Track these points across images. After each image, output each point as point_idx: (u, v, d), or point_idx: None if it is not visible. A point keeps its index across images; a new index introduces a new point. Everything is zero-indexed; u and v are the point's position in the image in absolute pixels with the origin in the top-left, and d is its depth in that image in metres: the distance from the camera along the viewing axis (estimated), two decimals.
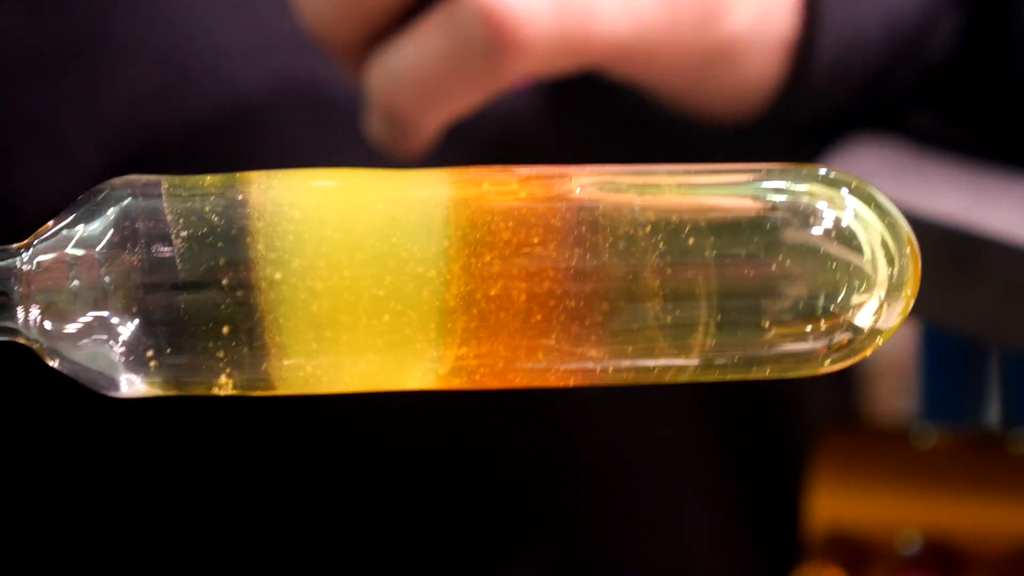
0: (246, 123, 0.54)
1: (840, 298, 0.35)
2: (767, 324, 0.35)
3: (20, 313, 0.35)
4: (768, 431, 0.61)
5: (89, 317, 0.35)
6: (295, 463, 0.56)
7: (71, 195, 0.53)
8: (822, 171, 0.36)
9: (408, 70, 0.45)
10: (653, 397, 0.58)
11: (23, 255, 0.35)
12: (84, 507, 0.56)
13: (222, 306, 0.34)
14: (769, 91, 0.48)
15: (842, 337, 0.35)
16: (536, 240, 0.35)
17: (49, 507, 0.56)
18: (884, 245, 0.35)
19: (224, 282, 0.34)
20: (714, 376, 0.36)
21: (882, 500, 0.54)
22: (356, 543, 0.57)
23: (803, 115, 0.48)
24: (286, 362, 0.35)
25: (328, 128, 0.54)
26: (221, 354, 0.35)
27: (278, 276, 0.35)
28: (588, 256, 0.35)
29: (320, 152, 0.53)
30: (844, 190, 0.35)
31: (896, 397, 0.73)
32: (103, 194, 0.35)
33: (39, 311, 0.35)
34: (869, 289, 0.35)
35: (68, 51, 0.53)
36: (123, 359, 0.35)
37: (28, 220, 0.52)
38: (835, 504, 0.54)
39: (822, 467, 0.54)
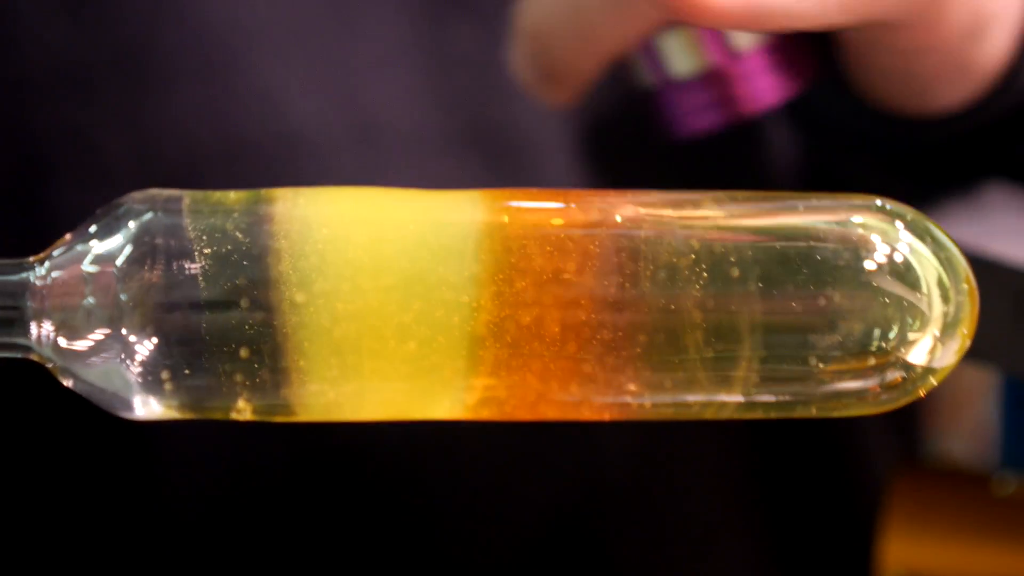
0: (289, 141, 0.53)
1: (892, 335, 0.34)
2: (814, 360, 0.34)
3: (33, 329, 0.34)
4: (827, 475, 0.59)
5: (104, 335, 0.33)
6: (315, 476, 0.55)
7: None
8: (877, 202, 0.34)
9: None
10: (699, 430, 0.56)
11: (38, 269, 0.34)
12: (88, 514, 0.55)
13: (242, 327, 0.33)
14: (990, 77, 0.45)
15: (894, 376, 0.34)
16: (572, 267, 0.34)
17: (55, 513, 0.55)
18: (940, 281, 0.34)
19: (244, 303, 0.33)
20: (758, 414, 0.34)
21: (959, 550, 0.52)
22: (379, 555, 0.55)
23: (1004, 109, 0.46)
24: (307, 388, 0.34)
25: (373, 149, 0.53)
26: (240, 377, 0.33)
27: (301, 298, 0.33)
28: (627, 285, 0.34)
29: (364, 173, 0.53)
30: (899, 223, 0.34)
31: (971, 442, 0.71)
32: (123, 208, 0.34)
33: (53, 328, 0.33)
34: (923, 326, 0.34)
35: (110, 64, 0.52)
36: (138, 380, 0.33)
37: (64, 233, 0.52)
38: (909, 553, 0.52)
39: (895, 513, 0.52)
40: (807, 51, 0.43)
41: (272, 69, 0.52)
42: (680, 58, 0.42)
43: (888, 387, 0.34)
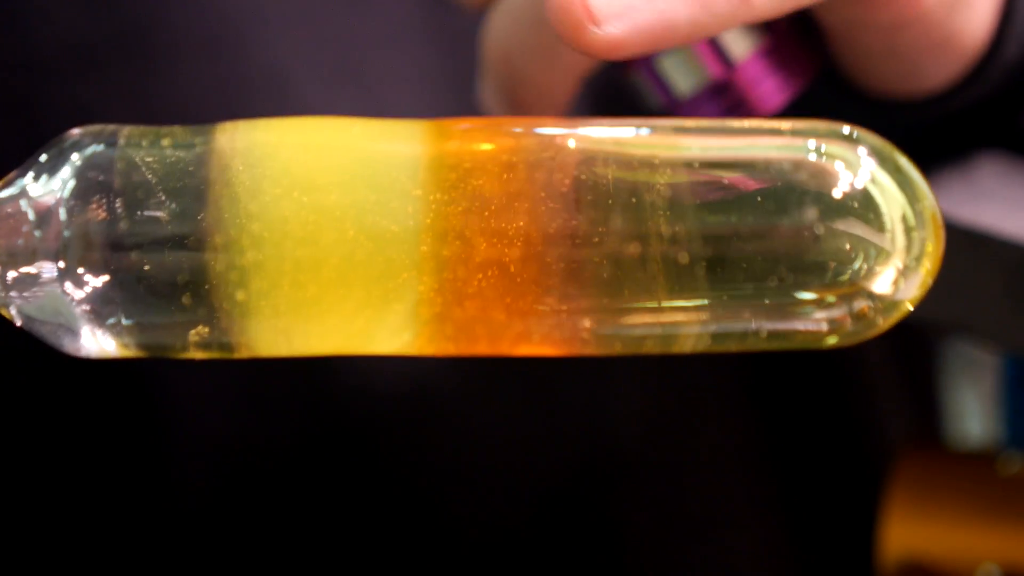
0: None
1: (854, 266, 0.33)
2: (772, 291, 0.33)
3: None
4: (840, 449, 0.59)
5: (49, 270, 0.33)
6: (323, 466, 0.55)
7: None
8: (842, 129, 0.34)
9: (515, 11, 0.41)
10: (709, 401, 0.56)
11: None
12: (97, 496, 0.55)
13: (183, 263, 0.33)
14: (974, 50, 0.44)
15: (856, 307, 0.34)
16: (518, 196, 0.33)
17: (63, 497, 0.55)
18: (903, 213, 0.33)
19: (184, 238, 0.33)
20: (716, 347, 0.34)
21: (962, 530, 0.52)
22: (386, 530, 0.56)
23: (992, 82, 0.45)
24: (252, 323, 0.34)
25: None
26: (184, 313, 0.33)
27: (239, 232, 0.33)
28: (576, 213, 0.33)
29: None
30: (863, 150, 0.34)
31: (981, 421, 0.70)
32: (67, 142, 0.34)
33: None
34: (885, 258, 0.33)
35: (117, 43, 0.52)
36: (84, 315, 0.34)
37: None
38: (911, 533, 0.52)
39: (898, 492, 0.52)
40: (804, 46, 0.43)
41: (279, 47, 0.52)
42: (681, 76, 0.42)
43: (853, 317, 0.34)
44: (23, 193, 0.34)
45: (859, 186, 0.33)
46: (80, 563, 0.56)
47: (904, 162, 0.34)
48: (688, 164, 0.33)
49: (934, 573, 0.52)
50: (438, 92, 0.53)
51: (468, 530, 0.56)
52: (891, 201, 0.33)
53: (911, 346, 0.61)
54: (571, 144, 0.34)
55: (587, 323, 0.34)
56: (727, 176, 0.33)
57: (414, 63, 0.53)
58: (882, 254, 0.33)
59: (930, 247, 0.34)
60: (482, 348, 0.34)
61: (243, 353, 0.34)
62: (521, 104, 0.41)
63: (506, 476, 0.56)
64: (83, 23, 0.52)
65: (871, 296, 0.33)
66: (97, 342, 0.34)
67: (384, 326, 0.34)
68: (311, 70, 0.52)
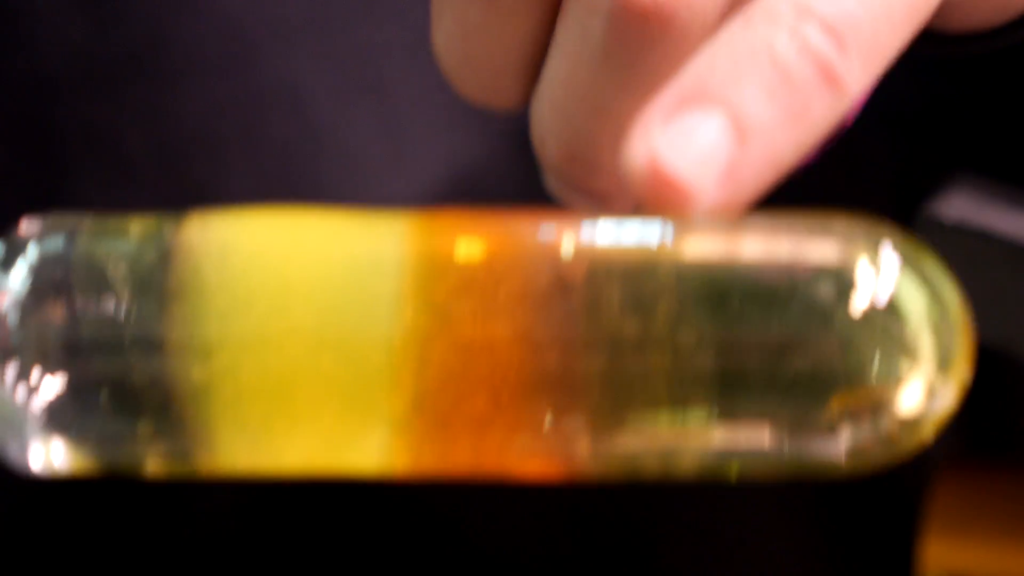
0: (313, 133, 0.52)
1: (875, 379, 0.30)
2: (785, 410, 0.31)
3: None
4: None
5: None
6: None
7: (132, 209, 0.53)
8: (859, 225, 0.31)
9: (555, 94, 0.38)
10: None
11: None
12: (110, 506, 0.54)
13: (143, 369, 0.31)
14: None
15: (878, 429, 0.31)
16: (512, 305, 0.30)
17: (76, 509, 0.54)
18: (931, 324, 0.31)
19: (144, 342, 0.31)
20: (724, 471, 0.31)
21: (1004, 548, 0.51)
22: (407, 545, 0.55)
23: None
24: (216, 435, 0.31)
25: (399, 139, 0.51)
26: (144, 424, 0.31)
27: (204, 338, 0.31)
28: (572, 325, 0.30)
29: (390, 163, 0.52)
30: (888, 252, 0.31)
31: None
32: (22, 236, 0.32)
33: None
34: (911, 369, 0.31)
35: (129, 61, 0.51)
36: (35, 424, 0.32)
37: None
38: (952, 550, 0.51)
39: (939, 509, 0.51)
40: None
41: (292, 61, 0.52)
42: None
43: (876, 439, 0.31)
44: None
45: (884, 294, 0.30)
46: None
47: (934, 267, 0.31)
48: (698, 268, 0.31)
49: None
50: (456, 101, 0.52)
51: (499, 549, 0.55)
52: (918, 311, 0.31)
53: None
54: (569, 247, 0.31)
55: (582, 439, 0.31)
56: (740, 281, 0.31)
57: (432, 72, 0.52)
58: (907, 368, 0.31)
59: (960, 361, 0.31)
60: (467, 464, 0.32)
61: (206, 467, 0.32)
62: (603, 195, 0.39)
63: (538, 496, 0.55)
64: (94, 42, 0.52)
65: (895, 415, 0.31)
66: (47, 455, 0.32)
67: (358, 441, 0.31)
68: (326, 84, 0.52)
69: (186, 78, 0.51)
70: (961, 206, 0.44)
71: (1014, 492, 0.52)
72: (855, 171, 0.39)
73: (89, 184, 0.52)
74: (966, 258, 0.44)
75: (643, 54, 0.36)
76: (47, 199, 0.52)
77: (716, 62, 0.32)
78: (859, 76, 0.33)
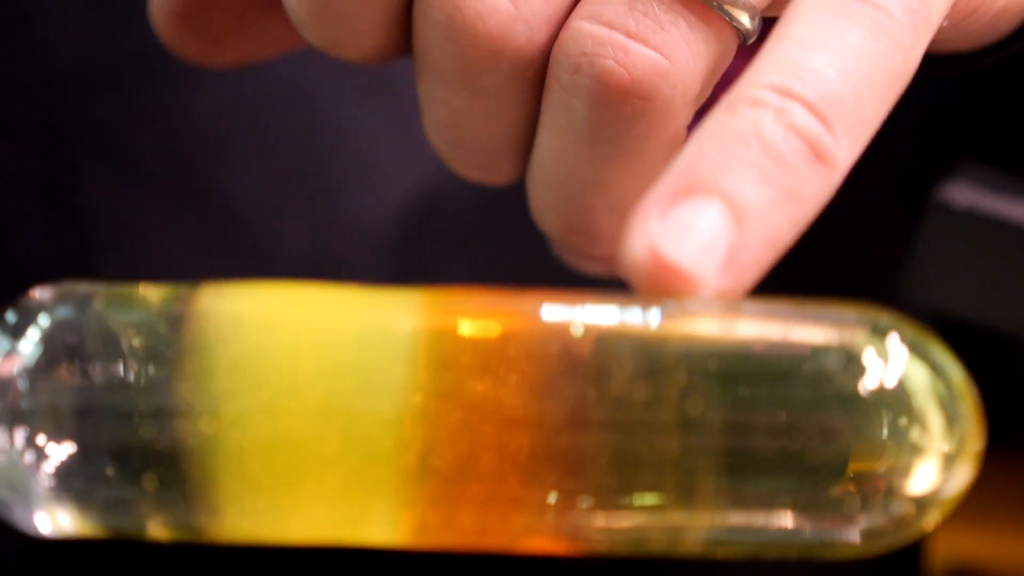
0: (324, 132, 0.52)
1: (886, 463, 0.31)
2: (792, 495, 0.31)
3: None
4: None
5: (5, 440, 0.32)
6: None
7: (144, 211, 0.53)
8: (868, 315, 0.31)
9: (547, 172, 0.39)
10: None
11: None
12: None
13: (153, 437, 0.31)
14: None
15: (893, 512, 0.31)
16: (518, 390, 0.31)
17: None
18: (939, 404, 0.31)
19: (144, 411, 0.31)
20: (732, 552, 0.32)
21: (1014, 535, 0.51)
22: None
23: None
24: (224, 504, 0.31)
25: (410, 135, 0.51)
26: (152, 491, 0.31)
27: (210, 418, 0.31)
28: (580, 409, 0.30)
29: (401, 160, 0.52)
30: (895, 339, 0.31)
31: None
32: (33, 305, 0.32)
33: None
34: (921, 451, 0.31)
35: (140, 62, 0.51)
36: (43, 489, 0.32)
37: (100, 235, 0.52)
38: (961, 537, 0.51)
39: None
40: None
41: (303, 59, 0.51)
42: None
43: (888, 521, 0.31)
44: None
45: (893, 380, 0.31)
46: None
47: (940, 352, 0.31)
48: (707, 351, 0.31)
49: None
50: None
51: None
52: (928, 396, 0.31)
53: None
54: (578, 331, 0.31)
55: (590, 518, 0.31)
56: (750, 366, 0.31)
57: None
58: (917, 454, 0.31)
59: (971, 441, 0.31)
60: (474, 542, 0.32)
61: (210, 536, 0.32)
62: (607, 260, 0.40)
63: None
64: (105, 43, 0.52)
65: (908, 496, 0.31)
66: (54, 519, 0.32)
67: (363, 516, 0.32)
68: (337, 82, 0.52)
69: (197, 78, 0.51)
70: (970, 193, 0.45)
71: None
72: (862, 161, 0.39)
73: (100, 185, 0.52)
74: (976, 243, 0.45)
75: (628, 129, 0.36)
76: (58, 200, 0.52)
77: (705, 151, 0.32)
78: (848, 150, 0.33)
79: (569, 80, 0.36)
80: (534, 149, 0.39)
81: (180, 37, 0.43)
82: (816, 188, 0.33)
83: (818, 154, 0.33)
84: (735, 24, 0.36)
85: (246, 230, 0.53)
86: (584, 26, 0.36)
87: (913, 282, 0.45)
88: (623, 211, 0.37)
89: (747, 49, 0.37)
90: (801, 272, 0.47)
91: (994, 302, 0.45)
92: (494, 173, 0.40)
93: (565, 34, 0.36)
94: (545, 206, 0.39)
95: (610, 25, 0.36)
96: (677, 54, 0.36)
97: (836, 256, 0.53)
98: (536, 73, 0.37)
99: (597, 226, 0.38)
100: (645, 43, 0.35)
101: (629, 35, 0.35)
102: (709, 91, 0.37)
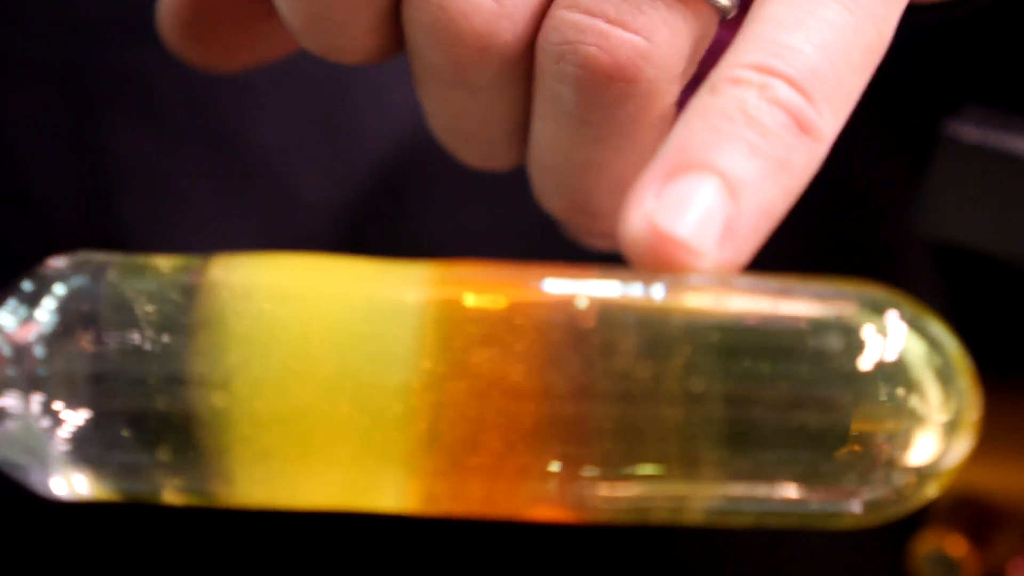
0: (342, 77, 0.52)
1: (885, 434, 0.31)
2: (794, 466, 0.32)
3: None
4: None
5: (21, 405, 0.32)
6: None
7: (167, 158, 0.53)
8: (868, 291, 0.32)
9: (544, 157, 0.40)
10: None
11: None
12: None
13: (166, 403, 0.32)
14: None
15: (892, 483, 0.32)
16: (523, 358, 0.31)
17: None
18: (937, 376, 0.32)
19: (168, 377, 0.32)
20: (734, 521, 0.32)
21: (1016, 462, 0.52)
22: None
23: None
24: (234, 468, 0.32)
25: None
26: (165, 455, 0.32)
27: (222, 382, 0.32)
28: (585, 377, 0.31)
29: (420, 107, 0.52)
30: (894, 314, 0.32)
31: None
32: (50, 274, 0.33)
33: None
34: (919, 426, 0.32)
35: None
36: (59, 454, 0.32)
37: (123, 179, 0.53)
38: (966, 467, 0.52)
39: None
40: None
41: None
42: None
43: (890, 492, 0.32)
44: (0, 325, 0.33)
45: (892, 354, 0.32)
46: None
47: (938, 327, 0.32)
48: (711, 324, 0.32)
49: (986, 507, 0.52)
50: None
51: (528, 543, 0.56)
52: (926, 368, 0.31)
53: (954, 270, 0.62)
54: (583, 303, 0.32)
55: (593, 488, 0.32)
56: (752, 339, 0.32)
57: None
58: (916, 425, 0.32)
59: (969, 412, 0.32)
60: (480, 509, 0.33)
61: (222, 501, 0.33)
62: (613, 235, 0.39)
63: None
64: None
65: (908, 467, 0.32)
66: (69, 483, 0.33)
67: (371, 482, 0.32)
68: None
69: None
70: (978, 129, 0.46)
71: None
72: (865, 100, 0.40)
73: (123, 129, 0.53)
74: (985, 177, 0.46)
75: (615, 111, 0.37)
76: (82, 145, 0.53)
77: (694, 130, 0.34)
78: (831, 121, 0.34)
79: (555, 68, 0.37)
80: (529, 136, 0.40)
81: (187, 47, 0.44)
82: (804, 159, 0.34)
83: (803, 126, 0.34)
84: (712, 2, 0.37)
85: (266, 174, 0.53)
86: (566, 15, 0.37)
87: (924, 215, 0.46)
88: (620, 189, 0.39)
89: (731, 21, 0.38)
90: (814, 213, 0.48)
91: (1002, 232, 0.46)
92: (497, 160, 0.41)
93: (548, 24, 0.37)
94: (546, 190, 0.40)
95: (590, 12, 0.37)
96: (658, 35, 0.37)
97: (848, 193, 0.53)
98: (524, 64, 0.38)
99: (597, 205, 0.40)
100: (625, 27, 0.36)
101: (609, 21, 0.37)
102: (694, 68, 0.38)
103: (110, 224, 0.52)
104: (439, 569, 0.55)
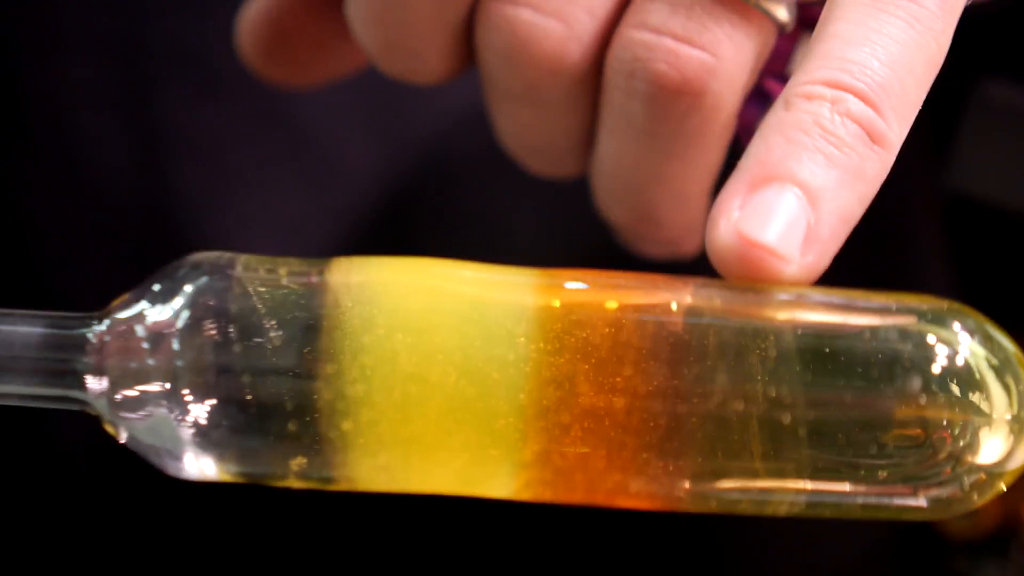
0: None
1: (953, 435, 0.34)
2: (871, 464, 0.34)
3: (90, 384, 0.35)
4: None
5: (158, 394, 0.34)
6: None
7: (218, 130, 0.54)
8: (937, 304, 0.35)
9: (611, 169, 0.42)
10: None
11: (97, 326, 0.35)
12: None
13: (290, 396, 0.34)
14: None
15: (963, 481, 0.34)
16: (625, 355, 0.34)
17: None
18: (1001, 381, 0.34)
19: (293, 371, 0.34)
20: (812, 512, 0.35)
21: None
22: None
23: None
24: (354, 454, 0.34)
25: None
26: (287, 445, 0.34)
27: (349, 370, 0.34)
28: (680, 375, 0.34)
29: (462, 82, 0.53)
30: (958, 325, 0.35)
31: None
32: (181, 271, 0.35)
33: (108, 384, 0.35)
34: (984, 428, 0.34)
35: None
36: (189, 440, 0.34)
37: (176, 148, 0.53)
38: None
39: None
40: None
41: None
42: None
43: (957, 490, 0.34)
44: (138, 316, 0.35)
45: (960, 359, 0.34)
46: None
47: (999, 335, 0.35)
48: (794, 329, 0.34)
49: None
50: None
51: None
52: (991, 373, 0.34)
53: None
54: (676, 305, 0.34)
55: (683, 481, 0.34)
56: (832, 344, 0.34)
57: None
58: (982, 424, 0.34)
59: None
60: (579, 497, 0.35)
61: (342, 486, 0.35)
62: (671, 242, 0.43)
63: None
64: None
65: (974, 468, 0.34)
66: (199, 466, 0.35)
67: (483, 469, 0.34)
68: None
69: None
70: (1006, 92, 0.49)
71: None
72: None
73: (176, 99, 0.53)
74: (1013, 136, 0.49)
75: (683, 124, 0.40)
76: (135, 114, 0.53)
77: (772, 144, 0.36)
78: (898, 131, 0.37)
79: (626, 85, 0.40)
80: (596, 150, 0.42)
81: (267, 68, 0.46)
82: (875, 167, 0.36)
83: (874, 136, 0.36)
84: (772, 17, 0.39)
85: (314, 143, 0.54)
86: (634, 34, 0.39)
87: (955, 173, 0.49)
88: (683, 198, 0.42)
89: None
90: None
91: None
92: (562, 170, 0.43)
93: (617, 43, 0.40)
94: (611, 200, 0.42)
95: (658, 31, 0.39)
96: (722, 51, 0.39)
97: None
98: (592, 81, 0.41)
99: (661, 214, 0.42)
100: (692, 44, 0.39)
101: (676, 38, 0.39)
102: (754, 80, 0.41)
103: (162, 191, 0.53)
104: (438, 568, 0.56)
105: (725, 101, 0.40)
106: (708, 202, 0.42)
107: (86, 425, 0.53)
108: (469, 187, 0.54)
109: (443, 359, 0.34)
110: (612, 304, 0.34)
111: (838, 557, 0.57)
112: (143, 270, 0.53)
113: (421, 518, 0.55)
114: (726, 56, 0.39)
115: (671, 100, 0.39)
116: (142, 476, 0.53)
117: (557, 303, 0.34)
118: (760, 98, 0.41)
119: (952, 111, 0.48)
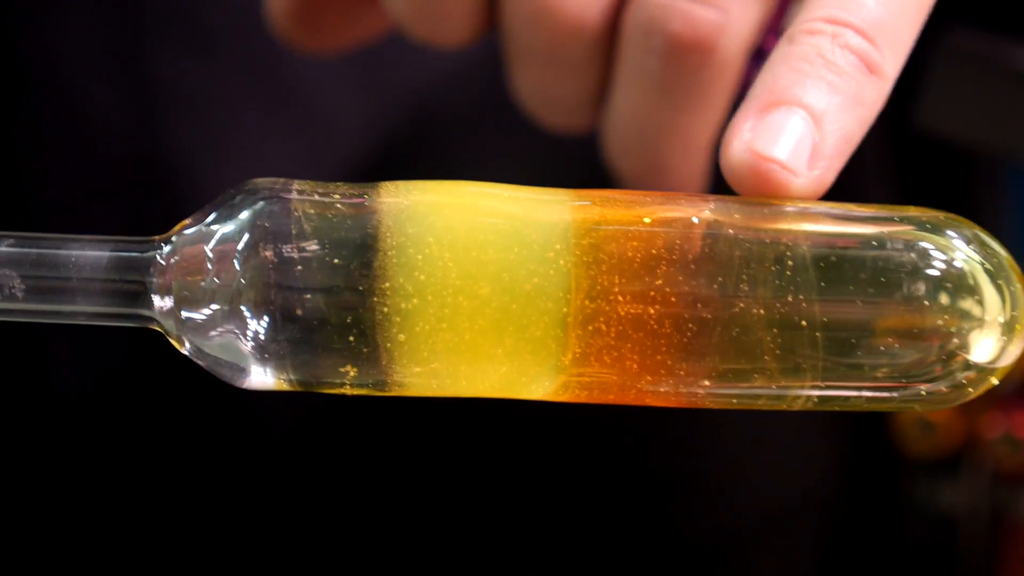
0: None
1: (953, 334, 0.36)
2: (875, 362, 0.37)
3: (157, 302, 0.36)
4: None
5: (222, 311, 0.36)
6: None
7: (211, 85, 0.54)
8: (932, 214, 0.38)
9: (625, 121, 0.44)
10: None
11: (163, 248, 0.37)
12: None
13: (346, 309, 0.36)
14: None
15: (958, 377, 0.37)
16: (655, 265, 0.36)
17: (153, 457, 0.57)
18: (994, 284, 0.37)
19: (348, 286, 0.36)
20: (824, 407, 0.37)
21: None
22: (478, 515, 0.58)
23: None
24: (406, 367, 0.36)
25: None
26: (345, 355, 0.36)
27: (400, 283, 0.36)
28: (706, 283, 0.36)
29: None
30: (952, 232, 0.37)
31: None
32: (240, 195, 0.37)
33: (174, 301, 0.36)
34: (980, 329, 0.37)
35: None
36: (252, 353, 0.36)
37: (168, 101, 0.54)
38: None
39: None
40: None
41: None
42: None
43: (951, 384, 0.37)
44: (201, 239, 0.36)
45: (958, 265, 0.37)
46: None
47: (993, 242, 0.37)
48: (807, 239, 0.37)
49: None
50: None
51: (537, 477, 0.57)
52: (986, 278, 0.37)
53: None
54: (699, 218, 0.37)
55: (707, 381, 0.37)
56: (842, 252, 0.37)
57: None
58: (979, 325, 0.37)
59: (1021, 320, 0.37)
60: (612, 398, 0.38)
61: (395, 391, 0.37)
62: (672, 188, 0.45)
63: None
64: None
65: (970, 365, 0.37)
66: (260, 377, 0.37)
67: (527, 373, 0.37)
68: None
69: None
70: (973, 40, 0.52)
71: None
72: None
73: (169, 53, 0.54)
74: (977, 80, 0.52)
75: (695, 78, 0.43)
76: (128, 67, 0.54)
77: (779, 74, 0.39)
78: (892, 64, 0.40)
79: (642, 42, 0.42)
80: (611, 103, 0.44)
81: (297, 35, 0.47)
82: (873, 94, 0.39)
83: (871, 67, 0.39)
84: None
85: (305, 98, 0.55)
86: None
87: (923, 114, 0.52)
88: (693, 148, 0.44)
89: None
90: None
91: (991, 129, 0.52)
92: (576, 125, 0.46)
93: (634, 3, 0.42)
94: (623, 151, 0.45)
95: None
96: (732, 10, 0.42)
97: None
98: (608, 41, 0.43)
99: (670, 164, 0.44)
100: (704, 3, 0.42)
101: None
102: (762, 37, 0.44)
103: (155, 144, 0.54)
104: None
105: (733, 56, 0.42)
106: (711, 155, 0.44)
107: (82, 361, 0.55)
108: (455, 136, 0.56)
109: (490, 273, 0.36)
110: (642, 219, 0.37)
111: (798, 478, 0.60)
112: (140, 221, 0.54)
113: (420, 517, 0.57)
114: (736, 14, 0.42)
115: (685, 55, 0.42)
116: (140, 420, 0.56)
117: (592, 218, 0.37)
118: (760, 57, 0.44)
119: (921, 56, 0.51)
